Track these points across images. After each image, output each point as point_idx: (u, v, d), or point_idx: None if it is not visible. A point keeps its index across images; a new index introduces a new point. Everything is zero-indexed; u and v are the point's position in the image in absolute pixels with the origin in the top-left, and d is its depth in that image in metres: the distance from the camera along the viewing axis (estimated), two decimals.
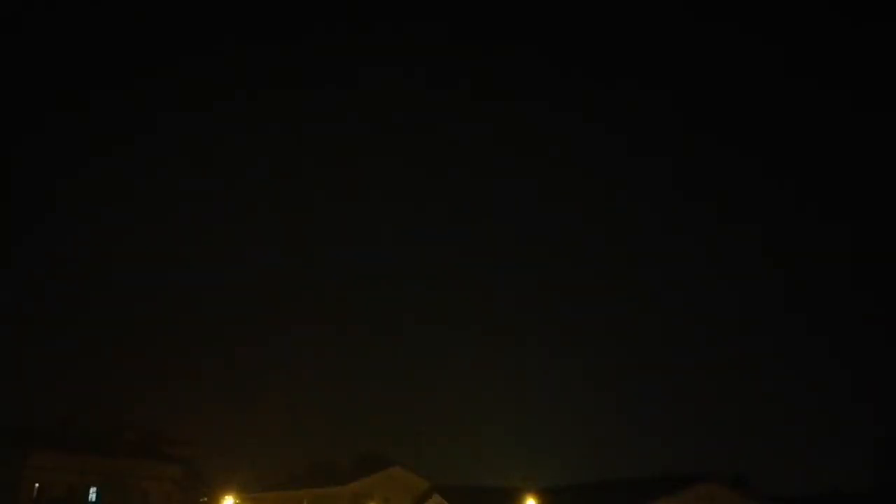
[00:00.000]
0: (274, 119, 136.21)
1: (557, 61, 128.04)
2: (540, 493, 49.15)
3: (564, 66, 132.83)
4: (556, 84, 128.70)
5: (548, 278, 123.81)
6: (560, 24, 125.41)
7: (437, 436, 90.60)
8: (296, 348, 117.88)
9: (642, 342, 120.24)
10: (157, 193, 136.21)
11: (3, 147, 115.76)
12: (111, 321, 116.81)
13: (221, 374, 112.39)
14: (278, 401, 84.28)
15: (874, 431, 59.63)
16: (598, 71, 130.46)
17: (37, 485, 61.19)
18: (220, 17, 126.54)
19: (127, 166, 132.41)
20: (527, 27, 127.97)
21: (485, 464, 77.44)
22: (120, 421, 72.63)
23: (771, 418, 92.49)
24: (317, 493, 63.80)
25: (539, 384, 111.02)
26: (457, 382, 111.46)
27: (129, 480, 64.85)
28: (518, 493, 50.27)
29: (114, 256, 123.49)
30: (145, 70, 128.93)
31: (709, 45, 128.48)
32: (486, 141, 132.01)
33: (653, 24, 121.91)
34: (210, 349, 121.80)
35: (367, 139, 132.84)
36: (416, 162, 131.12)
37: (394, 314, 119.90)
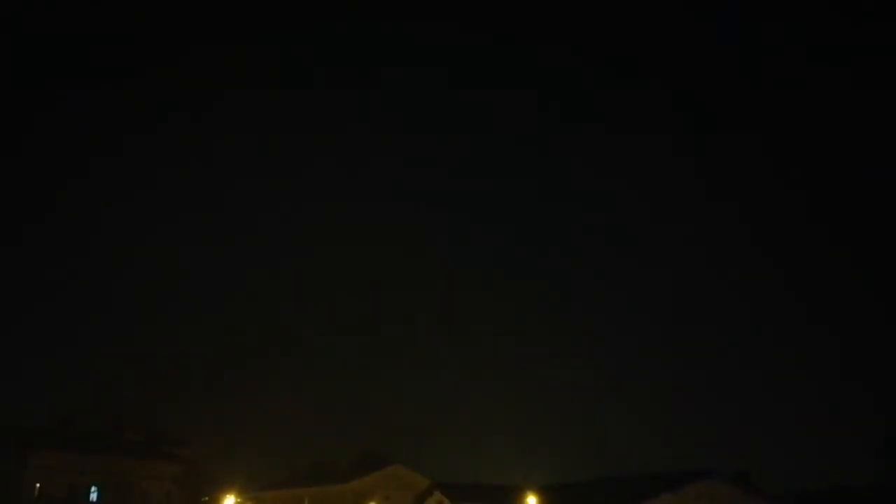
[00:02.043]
0: (274, 120, 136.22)
1: (556, 61, 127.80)
2: (540, 491, 49.04)
3: (563, 66, 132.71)
4: (555, 84, 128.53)
5: (549, 278, 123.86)
6: (559, 25, 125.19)
7: (437, 434, 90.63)
8: (297, 348, 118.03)
9: (643, 340, 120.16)
10: (157, 195, 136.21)
11: (5, 148, 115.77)
12: (112, 322, 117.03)
13: (222, 373, 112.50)
14: (279, 400, 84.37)
15: (877, 428, 59.42)
16: (598, 70, 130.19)
17: (38, 485, 61.15)
18: (221, 17, 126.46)
19: (129, 167, 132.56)
20: (528, 28, 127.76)
21: (485, 461, 77.47)
22: (121, 420, 72.79)
23: (774, 415, 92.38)
24: (318, 492, 63.73)
25: (540, 382, 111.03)
26: (458, 381, 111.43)
27: (130, 480, 64.84)
28: (519, 491, 50.19)
29: (114, 257, 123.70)
30: (146, 70, 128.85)
31: (709, 44, 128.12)
32: (485, 142, 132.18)
33: (653, 24, 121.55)
34: (210, 349, 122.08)
35: (368, 140, 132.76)
36: (418, 162, 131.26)
37: (394, 314, 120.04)
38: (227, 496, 55.86)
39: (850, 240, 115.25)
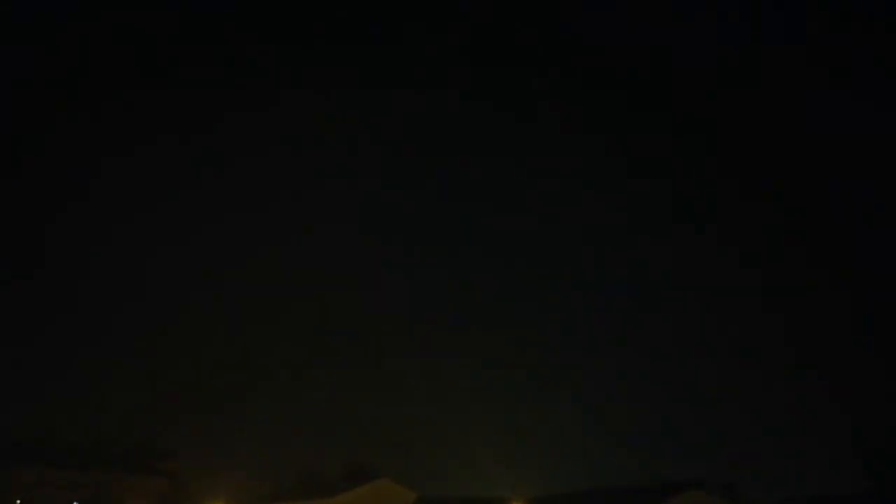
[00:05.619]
0: (275, 125, 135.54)
1: (550, 60, 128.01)
2: (529, 503, 49.12)
3: (557, 66, 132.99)
4: (551, 87, 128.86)
5: (536, 288, 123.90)
6: (556, 28, 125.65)
7: (422, 445, 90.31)
8: (283, 360, 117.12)
9: (628, 351, 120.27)
10: (151, 201, 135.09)
11: (12, 154, 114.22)
12: (96, 335, 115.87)
13: (207, 387, 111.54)
14: (265, 412, 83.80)
15: (861, 438, 59.97)
16: (594, 70, 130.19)
17: (18, 501, 60.44)
18: (222, 18, 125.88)
19: (126, 172, 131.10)
20: (523, 27, 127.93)
21: (473, 474, 77.19)
22: (105, 435, 72.21)
23: (760, 425, 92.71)
24: None
25: (526, 394, 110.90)
26: (445, 392, 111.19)
27: (114, 495, 64.24)
28: (507, 503, 50.25)
29: (97, 271, 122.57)
30: (146, 73, 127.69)
31: (709, 44, 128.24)
32: (480, 145, 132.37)
33: (651, 24, 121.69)
34: (196, 361, 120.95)
35: (370, 142, 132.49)
36: (414, 169, 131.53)
37: (382, 325, 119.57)
38: None
39: (846, 245, 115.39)
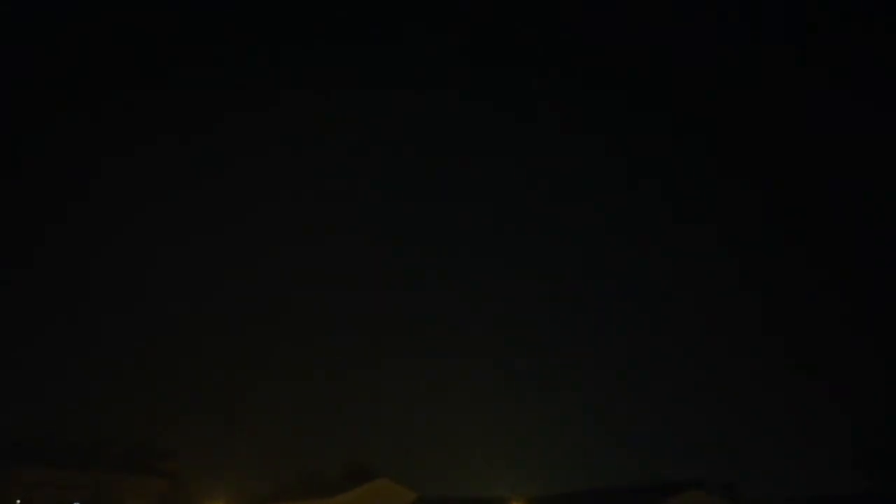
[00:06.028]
0: (275, 125, 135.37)
1: (547, 60, 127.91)
2: (528, 503, 49.14)
3: (554, 66, 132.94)
4: (551, 87, 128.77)
5: (536, 288, 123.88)
6: (556, 28, 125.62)
7: (422, 445, 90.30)
8: (283, 360, 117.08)
9: (627, 351, 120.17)
10: (151, 201, 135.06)
11: (12, 154, 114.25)
12: (95, 335, 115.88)
13: (208, 385, 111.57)
14: (265, 412, 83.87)
15: (860, 438, 60.08)
16: (593, 70, 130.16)
17: (18, 501, 60.42)
18: (222, 18, 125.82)
19: (126, 172, 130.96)
20: (520, 26, 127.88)
21: (473, 474, 77.29)
22: (105, 435, 72.16)
23: (760, 425, 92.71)
24: None
25: (526, 394, 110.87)
26: (445, 392, 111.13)
27: (115, 496, 64.23)
28: (506, 503, 50.29)
29: (93, 269, 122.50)
30: (146, 73, 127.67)
31: (709, 44, 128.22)
32: (480, 145, 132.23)
33: (651, 23, 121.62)
34: (196, 361, 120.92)
35: (370, 142, 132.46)
36: (410, 171, 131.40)
37: (381, 325, 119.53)
38: None
39: (846, 245, 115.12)
